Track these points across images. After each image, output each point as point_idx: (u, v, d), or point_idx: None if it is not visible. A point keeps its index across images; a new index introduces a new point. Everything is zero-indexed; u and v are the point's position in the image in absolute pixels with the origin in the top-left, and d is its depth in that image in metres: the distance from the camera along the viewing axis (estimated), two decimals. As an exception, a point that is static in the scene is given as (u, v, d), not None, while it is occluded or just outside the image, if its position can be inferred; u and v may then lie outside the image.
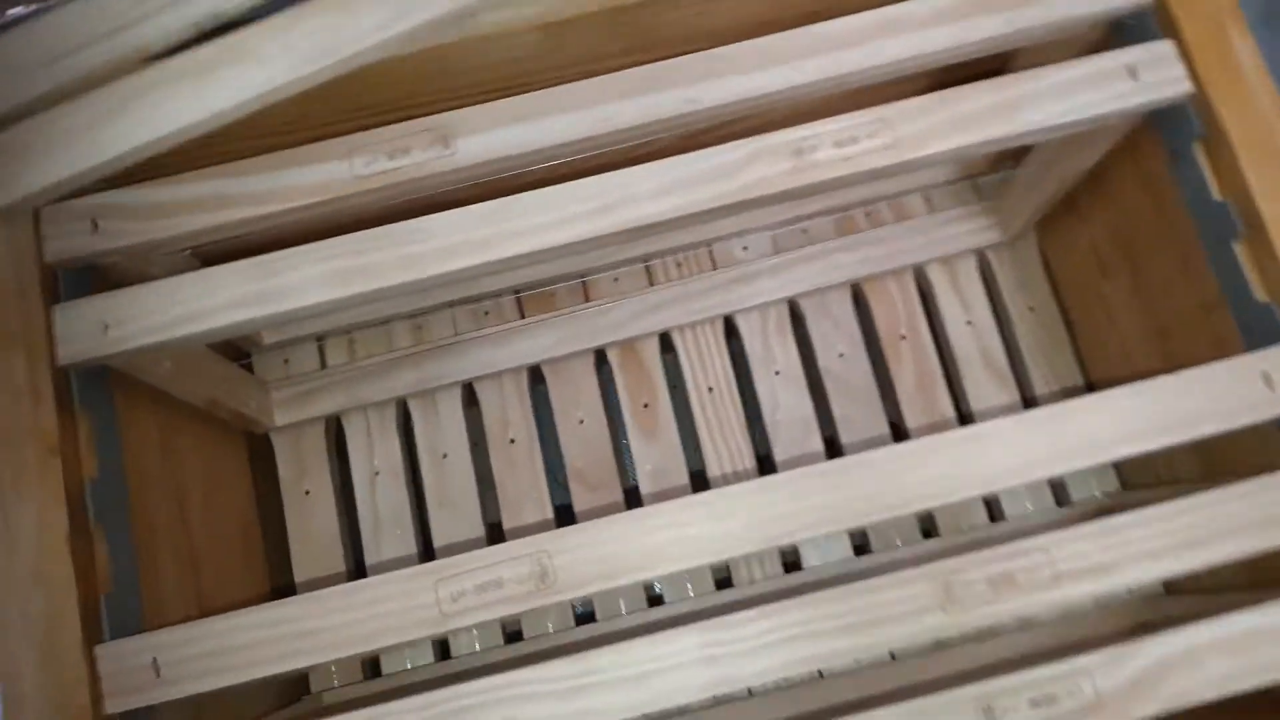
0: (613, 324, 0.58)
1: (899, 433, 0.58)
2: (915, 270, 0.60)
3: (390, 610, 0.37)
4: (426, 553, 0.56)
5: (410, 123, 0.41)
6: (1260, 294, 0.40)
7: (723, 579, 0.56)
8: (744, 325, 0.59)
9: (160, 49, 0.38)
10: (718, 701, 0.52)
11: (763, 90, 0.41)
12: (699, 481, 0.58)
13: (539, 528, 0.56)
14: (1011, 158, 0.59)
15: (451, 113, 0.41)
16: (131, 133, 0.37)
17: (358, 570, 0.56)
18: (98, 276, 0.42)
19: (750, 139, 0.40)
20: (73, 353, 0.39)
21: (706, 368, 0.59)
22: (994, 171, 0.60)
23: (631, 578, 0.36)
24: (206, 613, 0.38)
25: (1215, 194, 0.42)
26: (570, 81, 0.41)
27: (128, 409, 0.44)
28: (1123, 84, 0.41)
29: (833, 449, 0.58)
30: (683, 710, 0.50)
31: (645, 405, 0.58)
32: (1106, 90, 0.41)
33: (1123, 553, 0.35)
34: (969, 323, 0.59)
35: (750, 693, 0.52)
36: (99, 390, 0.42)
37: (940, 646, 0.53)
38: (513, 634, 0.56)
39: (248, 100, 0.37)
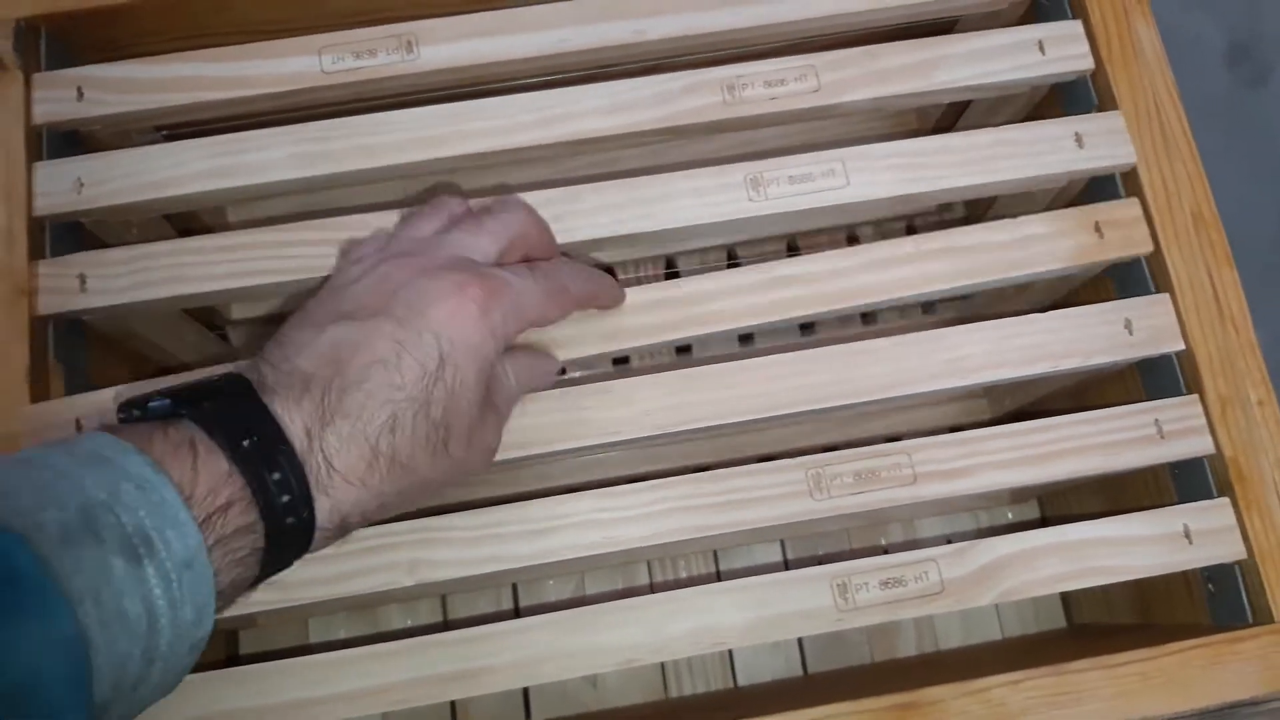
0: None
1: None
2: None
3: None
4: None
5: (378, 27, 0.44)
6: (1131, 251, 0.44)
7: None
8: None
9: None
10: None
11: (704, 29, 0.45)
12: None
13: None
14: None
15: (418, 22, 0.45)
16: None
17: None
18: (82, 146, 0.46)
19: (687, 72, 0.44)
20: (48, 205, 0.42)
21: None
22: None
23: (548, 448, 0.40)
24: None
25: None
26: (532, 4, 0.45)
27: (100, 368, 0.46)
28: (1031, 57, 0.45)
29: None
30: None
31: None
32: (1016, 60, 0.45)
33: (977, 461, 0.40)
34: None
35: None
36: (75, 344, 0.44)
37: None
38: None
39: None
